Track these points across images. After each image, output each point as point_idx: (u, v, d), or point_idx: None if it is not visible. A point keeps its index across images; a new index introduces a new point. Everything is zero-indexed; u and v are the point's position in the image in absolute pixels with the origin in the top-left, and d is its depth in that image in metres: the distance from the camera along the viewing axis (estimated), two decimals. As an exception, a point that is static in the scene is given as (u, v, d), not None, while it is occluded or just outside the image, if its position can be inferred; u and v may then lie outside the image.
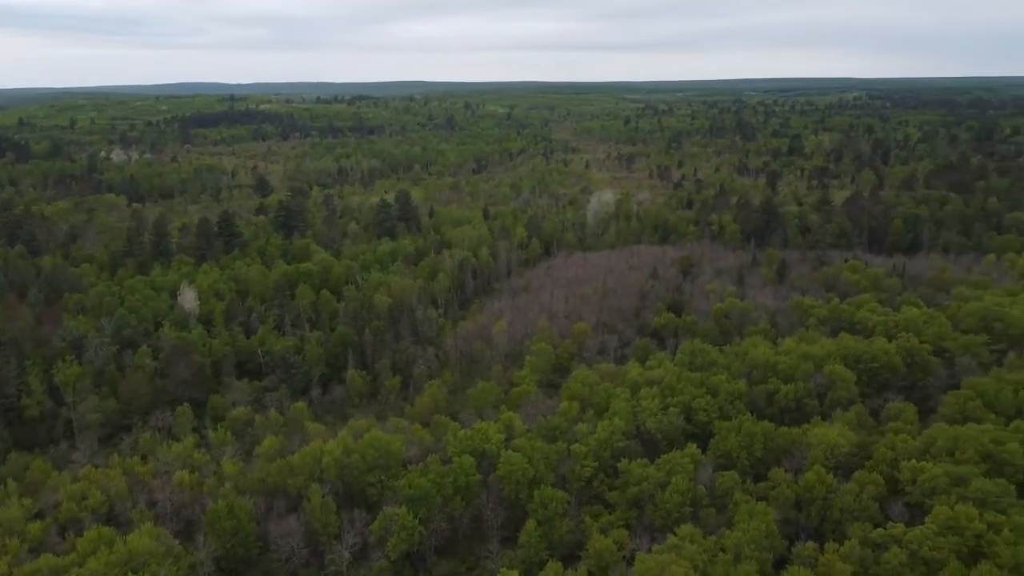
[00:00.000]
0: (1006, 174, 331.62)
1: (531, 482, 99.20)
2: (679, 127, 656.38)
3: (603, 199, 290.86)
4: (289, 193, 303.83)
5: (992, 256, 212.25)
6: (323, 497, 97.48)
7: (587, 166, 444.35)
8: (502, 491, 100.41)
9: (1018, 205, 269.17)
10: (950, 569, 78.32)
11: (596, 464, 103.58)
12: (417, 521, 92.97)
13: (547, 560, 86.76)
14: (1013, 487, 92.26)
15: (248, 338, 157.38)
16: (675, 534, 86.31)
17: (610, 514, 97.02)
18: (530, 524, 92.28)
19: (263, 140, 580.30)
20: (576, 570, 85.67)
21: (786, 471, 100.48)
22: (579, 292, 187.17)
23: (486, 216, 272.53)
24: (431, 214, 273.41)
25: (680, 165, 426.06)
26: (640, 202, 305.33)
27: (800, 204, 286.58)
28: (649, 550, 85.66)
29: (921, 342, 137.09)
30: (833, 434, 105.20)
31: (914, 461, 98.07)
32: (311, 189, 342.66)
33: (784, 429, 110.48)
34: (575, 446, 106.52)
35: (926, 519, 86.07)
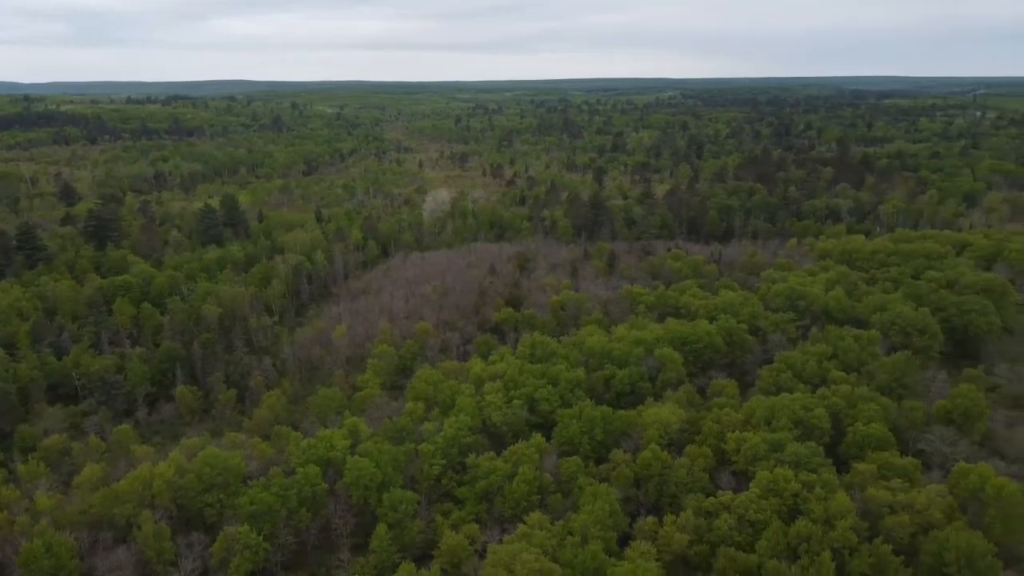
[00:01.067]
0: (802, 166, 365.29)
1: (379, 486, 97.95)
2: (509, 126, 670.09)
3: (439, 198, 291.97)
4: (100, 201, 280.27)
5: (794, 241, 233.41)
6: (156, 523, 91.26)
7: (421, 165, 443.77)
8: (350, 498, 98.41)
9: (813, 194, 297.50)
10: (772, 528, 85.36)
11: (444, 462, 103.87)
12: (261, 538, 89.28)
13: (399, 563, 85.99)
14: (821, 448, 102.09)
15: (60, 360, 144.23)
16: (524, 523, 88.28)
17: (460, 510, 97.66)
18: (380, 528, 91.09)
19: (66, 144, 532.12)
20: (429, 570, 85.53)
21: (625, 452, 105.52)
22: (419, 292, 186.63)
23: (319, 219, 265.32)
24: (260, 218, 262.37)
25: (512, 163, 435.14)
26: (475, 200, 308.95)
27: (625, 198, 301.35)
28: (500, 541, 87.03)
29: (738, 322, 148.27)
30: (665, 413, 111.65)
31: (737, 432, 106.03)
32: (125, 196, 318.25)
33: (621, 412, 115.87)
34: (423, 446, 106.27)
35: (750, 484, 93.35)
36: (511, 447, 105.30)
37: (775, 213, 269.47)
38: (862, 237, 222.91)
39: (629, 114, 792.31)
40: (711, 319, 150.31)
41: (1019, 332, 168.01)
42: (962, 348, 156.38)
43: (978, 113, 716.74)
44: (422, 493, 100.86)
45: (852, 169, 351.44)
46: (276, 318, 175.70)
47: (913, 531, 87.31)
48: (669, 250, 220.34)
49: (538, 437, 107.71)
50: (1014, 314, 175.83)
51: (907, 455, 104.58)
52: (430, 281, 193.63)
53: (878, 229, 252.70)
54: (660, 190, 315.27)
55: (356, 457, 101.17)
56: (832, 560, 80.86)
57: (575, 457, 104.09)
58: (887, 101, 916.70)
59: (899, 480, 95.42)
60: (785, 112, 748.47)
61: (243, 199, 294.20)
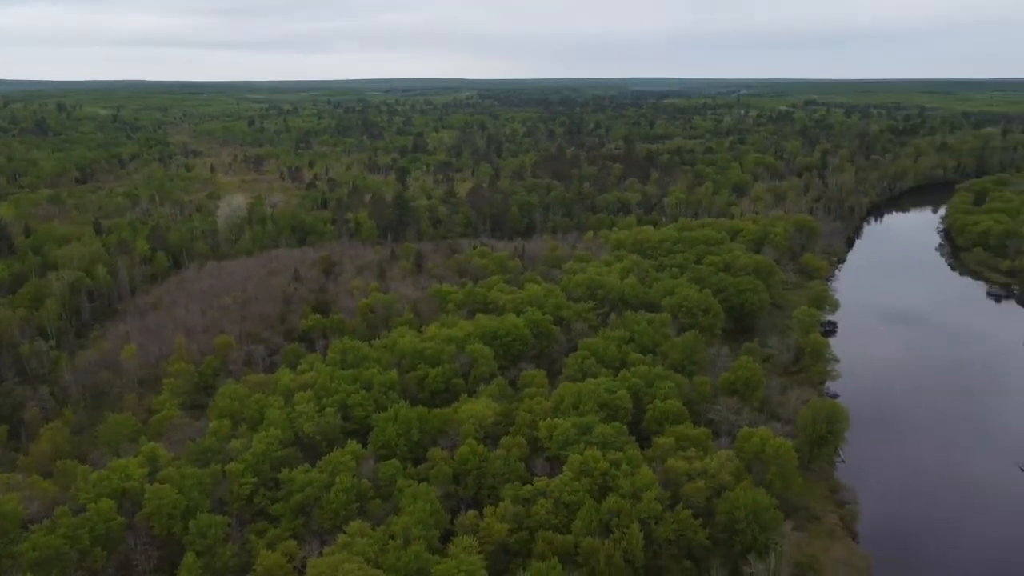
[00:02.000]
0: (594, 163, 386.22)
1: (184, 513, 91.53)
2: (306, 127, 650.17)
3: (234, 204, 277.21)
4: None
5: (590, 233, 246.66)
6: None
7: (212, 170, 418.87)
8: (151, 529, 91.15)
9: (605, 189, 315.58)
10: (586, 507, 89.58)
11: (256, 479, 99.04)
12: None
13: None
14: (625, 427, 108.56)
15: None
16: (345, 532, 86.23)
17: (276, 527, 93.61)
18: (188, 558, 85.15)
19: None
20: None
21: (443, 449, 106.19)
22: (217, 304, 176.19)
23: (98, 231, 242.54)
24: (27, 232, 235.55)
25: (311, 165, 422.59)
26: (274, 204, 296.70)
27: (429, 198, 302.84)
28: (320, 554, 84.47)
29: (544, 314, 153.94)
30: (480, 407, 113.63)
31: (549, 419, 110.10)
32: None
33: (437, 410, 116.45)
34: (231, 465, 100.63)
35: (563, 468, 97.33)
36: (326, 457, 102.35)
37: (572, 208, 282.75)
38: (651, 227, 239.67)
39: (428, 114, 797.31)
40: (518, 312, 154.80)
41: (786, 307, 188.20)
42: (740, 324, 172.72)
43: (742, 112, 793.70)
44: (233, 515, 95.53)
45: (639, 165, 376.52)
46: (53, 342, 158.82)
47: (708, 495, 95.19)
48: (475, 247, 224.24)
49: (354, 444, 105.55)
50: (781, 291, 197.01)
51: (699, 426, 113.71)
52: (229, 292, 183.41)
53: (664, 219, 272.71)
54: (463, 189, 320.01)
55: (156, 485, 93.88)
56: (640, 530, 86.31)
57: (393, 460, 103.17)
58: (665, 101, 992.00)
59: (694, 449, 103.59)
60: (576, 112, 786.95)
61: (5, 212, 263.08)
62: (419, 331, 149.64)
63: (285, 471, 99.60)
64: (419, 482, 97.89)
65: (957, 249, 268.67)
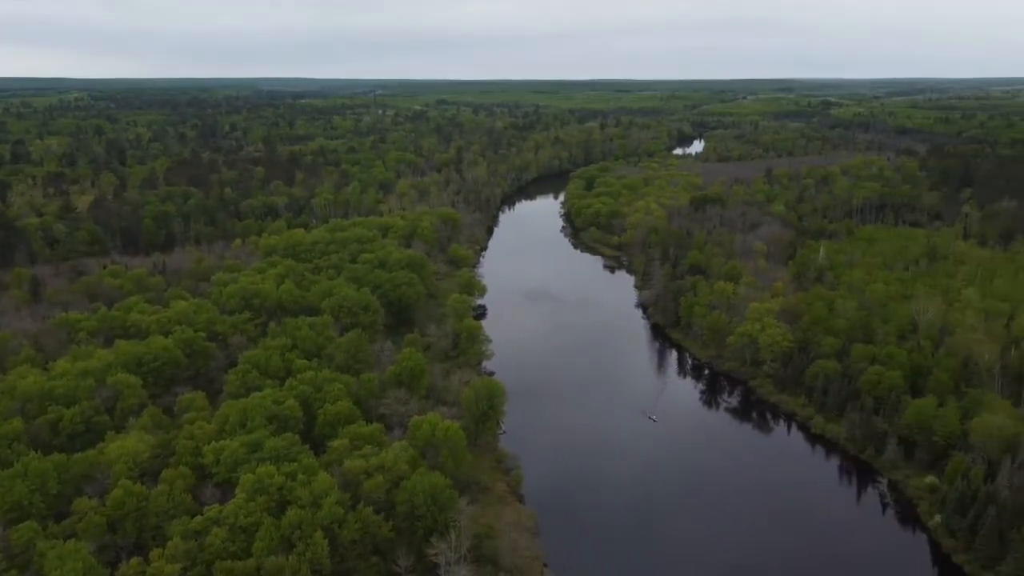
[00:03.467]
0: (234, 166, 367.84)
1: None
2: None
3: None
4: None
5: (238, 241, 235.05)
6: None
7: None
8: None
9: (249, 193, 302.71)
10: (265, 527, 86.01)
11: None
12: None
13: None
14: (297, 436, 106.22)
15: None
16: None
17: None
18: None
19: None
20: None
21: (91, 497, 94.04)
22: None
23: None
24: None
25: None
26: None
27: (41, 215, 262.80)
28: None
29: (196, 331, 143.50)
30: (132, 443, 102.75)
31: (214, 443, 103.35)
32: None
33: (79, 455, 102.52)
34: None
35: (236, 491, 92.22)
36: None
37: (215, 215, 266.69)
38: (302, 230, 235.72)
39: (28, 119, 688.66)
40: (166, 333, 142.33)
41: (440, 296, 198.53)
42: (399, 317, 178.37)
43: (380, 111, 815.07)
44: None
45: (282, 167, 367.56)
46: None
47: (388, 488, 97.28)
48: (105, 267, 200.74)
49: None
50: (434, 282, 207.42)
51: (372, 422, 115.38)
52: None
53: (314, 221, 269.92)
54: (83, 202, 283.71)
55: None
56: (325, 538, 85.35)
57: (28, 522, 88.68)
58: (303, 101, 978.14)
59: (369, 447, 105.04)
60: (208, 113, 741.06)
61: None
62: (45, 368, 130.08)
63: None
64: (65, 540, 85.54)
65: (577, 229, 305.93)
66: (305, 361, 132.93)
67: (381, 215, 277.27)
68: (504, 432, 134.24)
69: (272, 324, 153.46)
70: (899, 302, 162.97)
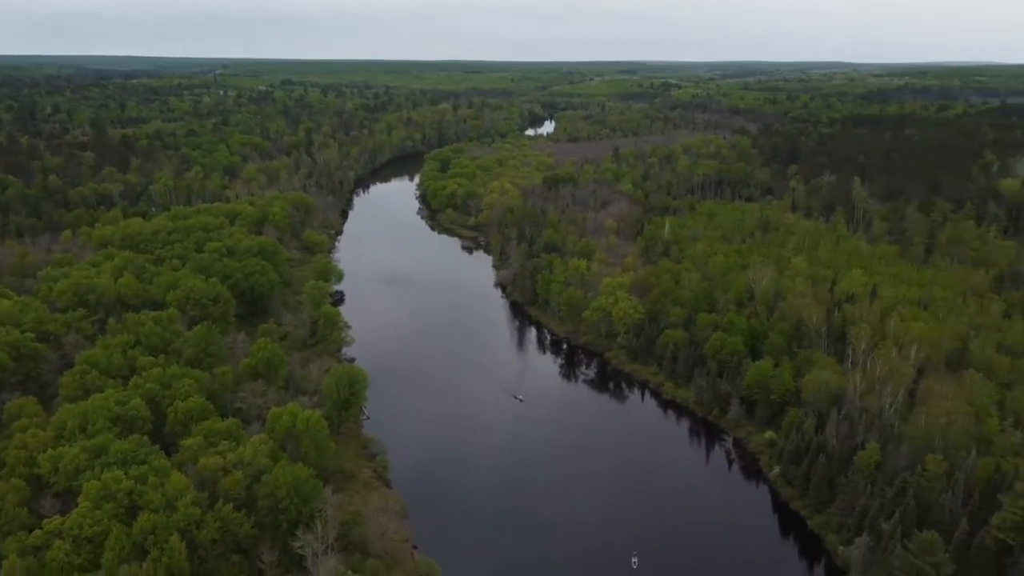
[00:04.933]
0: (59, 152, 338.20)
1: None
2: None
3: None
4: None
5: (68, 232, 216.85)
6: None
7: None
8: None
9: (79, 181, 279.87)
10: (114, 535, 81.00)
11: None
12: None
13: None
14: (146, 437, 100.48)
15: None
16: None
17: None
18: None
19: None
20: None
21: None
22: None
23: None
24: None
25: None
26: None
27: None
28: None
29: (23, 332, 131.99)
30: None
31: (51, 451, 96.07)
32: None
33: None
34: None
35: (79, 500, 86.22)
36: None
37: (39, 206, 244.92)
38: (140, 219, 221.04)
39: None
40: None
41: (295, 284, 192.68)
42: (252, 307, 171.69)
43: (221, 92, 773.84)
44: None
45: (114, 151, 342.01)
46: None
47: (248, 483, 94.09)
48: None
49: None
50: (288, 269, 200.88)
51: (228, 417, 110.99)
52: None
53: (154, 209, 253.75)
54: None
55: None
56: (181, 540, 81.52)
57: None
58: (135, 81, 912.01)
59: (226, 442, 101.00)
60: (25, 94, 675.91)
61: None
62: None
63: None
64: None
65: (433, 211, 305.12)
66: (151, 358, 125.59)
67: (228, 201, 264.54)
68: (368, 418, 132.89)
69: (112, 320, 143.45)
70: (737, 272, 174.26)
